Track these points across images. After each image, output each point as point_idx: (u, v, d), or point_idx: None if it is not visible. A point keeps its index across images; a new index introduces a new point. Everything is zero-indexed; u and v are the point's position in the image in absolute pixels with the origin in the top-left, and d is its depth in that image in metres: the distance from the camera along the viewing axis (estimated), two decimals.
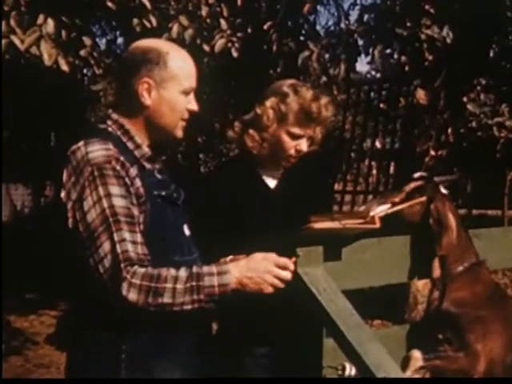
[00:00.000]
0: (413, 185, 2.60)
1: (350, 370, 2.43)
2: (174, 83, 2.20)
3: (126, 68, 2.25)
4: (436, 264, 2.57)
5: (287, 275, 2.17)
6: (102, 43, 6.80)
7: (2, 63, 4.59)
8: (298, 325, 2.42)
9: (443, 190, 2.63)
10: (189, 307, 2.05)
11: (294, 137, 2.67)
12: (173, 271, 2.04)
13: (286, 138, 2.67)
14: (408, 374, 2.46)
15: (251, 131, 2.71)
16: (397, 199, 2.53)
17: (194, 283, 2.04)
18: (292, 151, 2.68)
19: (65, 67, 4.44)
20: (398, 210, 2.50)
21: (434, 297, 2.59)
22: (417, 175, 2.65)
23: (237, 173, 2.73)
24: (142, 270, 2.02)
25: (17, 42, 4.29)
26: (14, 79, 6.00)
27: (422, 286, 7.39)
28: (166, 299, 2.02)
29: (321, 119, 2.70)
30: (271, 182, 2.76)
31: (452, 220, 2.55)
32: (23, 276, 7.70)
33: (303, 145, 2.69)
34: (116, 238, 2.02)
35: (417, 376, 2.45)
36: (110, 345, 2.11)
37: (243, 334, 2.61)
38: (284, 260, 2.17)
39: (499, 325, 2.53)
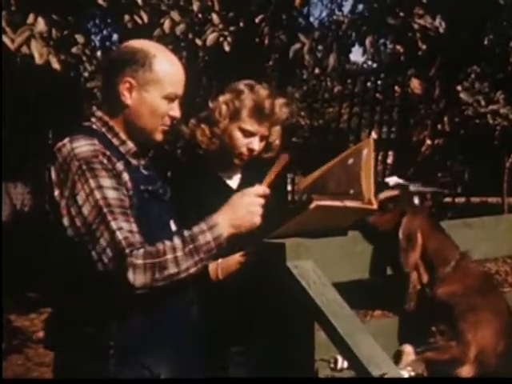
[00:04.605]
0: (388, 194, 2.53)
1: (342, 363, 2.44)
2: (157, 87, 2.20)
3: (111, 66, 2.26)
4: (422, 269, 2.55)
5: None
6: (97, 40, 6.82)
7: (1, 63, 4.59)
8: (290, 318, 2.42)
9: (416, 201, 2.54)
10: (194, 270, 2.11)
11: (247, 134, 2.66)
12: (168, 243, 2.08)
13: (238, 134, 2.66)
14: (401, 368, 2.46)
15: (203, 125, 2.72)
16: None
17: (190, 246, 2.09)
18: (244, 149, 2.67)
19: (56, 65, 4.44)
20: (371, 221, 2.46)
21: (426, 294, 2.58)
22: (392, 182, 2.59)
23: (199, 177, 2.72)
24: (141, 250, 2.04)
25: (7, 41, 4.28)
26: (11, 77, 5.99)
27: None
28: (172, 269, 2.06)
29: (274, 118, 2.69)
30: (233, 183, 2.75)
31: (419, 239, 2.48)
32: (23, 275, 7.69)
33: (255, 144, 2.68)
34: (114, 226, 2.03)
35: (409, 369, 2.44)
36: (97, 341, 2.12)
37: (233, 329, 2.61)
38: (259, 188, 2.28)
39: (490, 313, 2.54)
